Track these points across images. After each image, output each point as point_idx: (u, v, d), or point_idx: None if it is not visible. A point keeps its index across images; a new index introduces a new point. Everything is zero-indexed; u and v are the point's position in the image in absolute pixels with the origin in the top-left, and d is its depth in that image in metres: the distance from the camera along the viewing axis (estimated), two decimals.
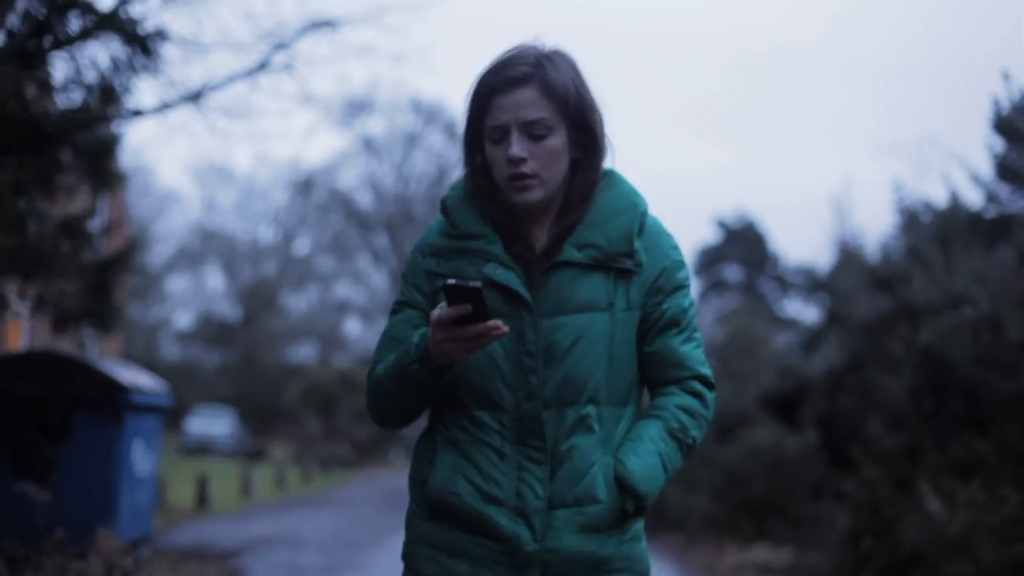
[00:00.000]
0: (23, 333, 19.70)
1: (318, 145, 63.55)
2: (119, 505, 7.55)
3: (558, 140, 2.27)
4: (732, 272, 51.35)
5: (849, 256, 42.35)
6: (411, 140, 38.05)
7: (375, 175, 39.60)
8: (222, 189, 45.73)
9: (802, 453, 11.69)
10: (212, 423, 30.49)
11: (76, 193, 9.51)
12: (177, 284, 46.05)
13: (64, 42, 8.73)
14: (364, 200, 40.35)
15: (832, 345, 13.22)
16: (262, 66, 10.09)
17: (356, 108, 34.27)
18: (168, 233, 44.69)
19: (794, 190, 65.31)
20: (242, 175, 48.96)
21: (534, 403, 2.24)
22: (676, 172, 68.63)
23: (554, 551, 2.22)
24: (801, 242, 67.18)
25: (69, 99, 9.33)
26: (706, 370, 2.38)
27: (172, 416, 26.88)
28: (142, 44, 8.78)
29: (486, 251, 2.30)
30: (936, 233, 14.17)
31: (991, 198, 15.11)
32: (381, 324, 40.13)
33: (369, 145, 38.45)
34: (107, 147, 9.34)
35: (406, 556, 2.35)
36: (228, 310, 43.26)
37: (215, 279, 46.59)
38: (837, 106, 68.17)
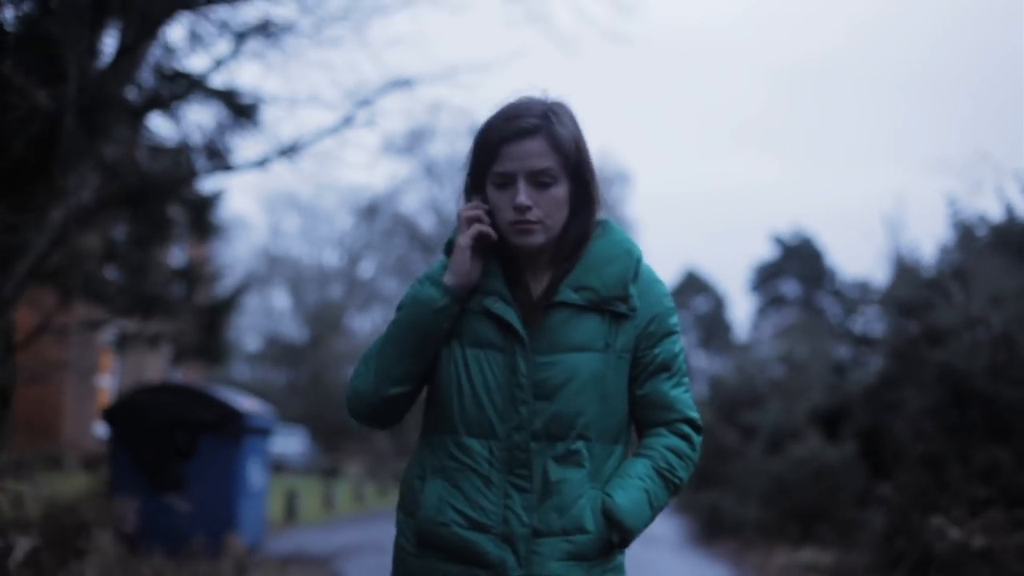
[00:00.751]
0: (113, 361, 21.16)
1: (381, 170, 65.25)
2: (240, 515, 8.79)
3: (561, 190, 2.39)
4: (790, 287, 52.26)
5: (905, 271, 42.91)
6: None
7: (437, 199, 40.91)
8: (287, 215, 47.24)
9: (843, 463, 12.70)
10: (285, 441, 31.77)
11: (179, 241, 10.80)
12: (245, 307, 47.59)
13: (170, 107, 10.03)
14: (427, 223, 41.65)
15: (870, 364, 14.16)
16: (347, 121, 11.33)
17: (418, 136, 35.64)
18: (236, 259, 46.27)
19: (843, 202, 65.75)
20: (307, 201, 50.49)
21: (523, 434, 2.36)
22: (728, 188, 69.33)
23: None
24: (854, 254, 67.21)
25: (177, 158, 10.64)
26: (694, 413, 2.51)
27: None
28: (243, 111, 10.08)
29: (489, 286, 2.41)
30: (992, 246, 15.03)
31: None
32: None
33: (431, 170, 39.78)
34: (209, 202, 10.62)
35: None
36: (295, 332, 44.70)
37: (282, 301, 48.06)
38: (885, 120, 68.54)
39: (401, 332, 2.40)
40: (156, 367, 21.99)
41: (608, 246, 2.45)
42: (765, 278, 51.51)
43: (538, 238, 2.39)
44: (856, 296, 49.48)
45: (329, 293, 45.96)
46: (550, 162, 2.37)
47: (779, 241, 52.02)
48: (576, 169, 2.41)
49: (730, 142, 72.03)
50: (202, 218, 10.53)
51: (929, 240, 54.06)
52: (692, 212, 71.24)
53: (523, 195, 2.35)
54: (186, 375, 23.04)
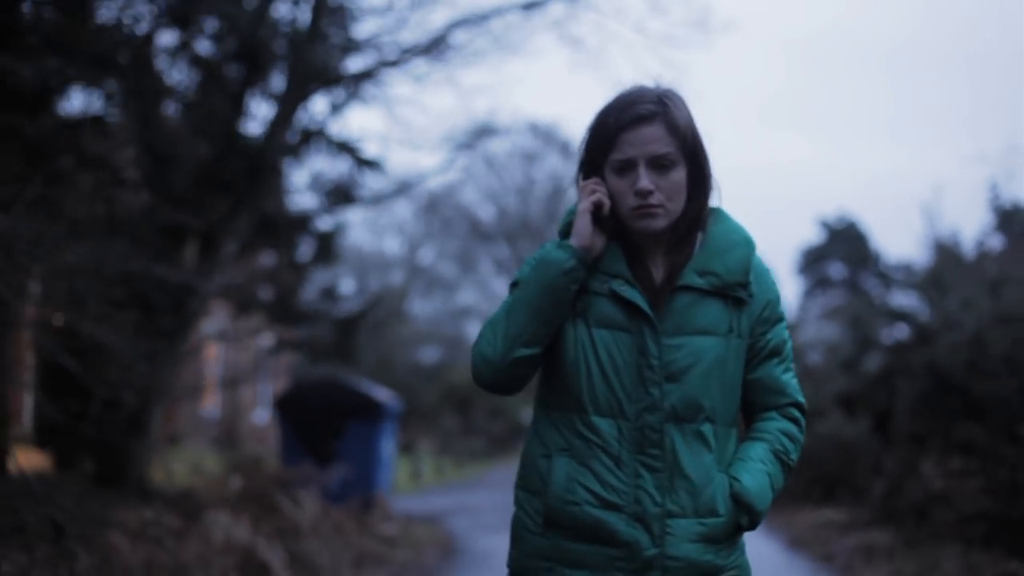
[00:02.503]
0: (218, 351, 24.21)
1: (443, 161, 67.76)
2: (378, 480, 11.68)
3: (680, 174, 2.47)
4: (836, 270, 54.28)
5: (947, 255, 45.35)
6: (529, 159, 42.03)
7: (495, 190, 43.68)
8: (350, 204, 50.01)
9: (859, 437, 15.39)
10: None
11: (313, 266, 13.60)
12: (310, 294, 50.48)
13: (305, 157, 12.80)
14: (486, 213, 44.44)
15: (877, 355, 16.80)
16: (449, 163, 14.12)
17: (479, 133, 38.39)
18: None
19: (880, 180, 67.37)
20: (369, 191, 53.32)
21: (656, 415, 2.42)
22: (763, 168, 70.94)
23: (674, 558, 2.41)
24: (895, 233, 68.57)
25: (310, 199, 13.46)
26: (801, 398, 2.60)
27: None
28: (367, 163, 12.88)
29: (613, 268, 2.50)
30: None
31: None
32: None
33: (490, 163, 42.53)
34: (334, 235, 13.44)
35: (518, 569, 2.55)
36: (341, 310, 47.52)
37: (347, 287, 50.95)
38: (919, 102, 70.00)
39: (531, 295, 2.47)
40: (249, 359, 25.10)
41: (727, 232, 2.55)
42: (811, 261, 53.50)
43: (660, 222, 2.47)
44: (900, 278, 51.78)
45: (390, 279, 48.76)
46: (669, 147, 2.46)
47: (825, 225, 53.97)
48: (692, 153, 2.49)
49: (759, 125, 73.28)
50: (328, 247, 13.36)
51: (967, 224, 56.17)
52: (729, 192, 72.60)
53: (645, 180, 2.44)
54: (281, 365, 26.03)
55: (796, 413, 2.62)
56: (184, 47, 11.29)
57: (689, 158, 2.49)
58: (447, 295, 48.80)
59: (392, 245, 50.35)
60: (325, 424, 11.49)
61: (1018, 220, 22.18)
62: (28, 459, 9.91)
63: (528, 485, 2.55)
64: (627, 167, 2.46)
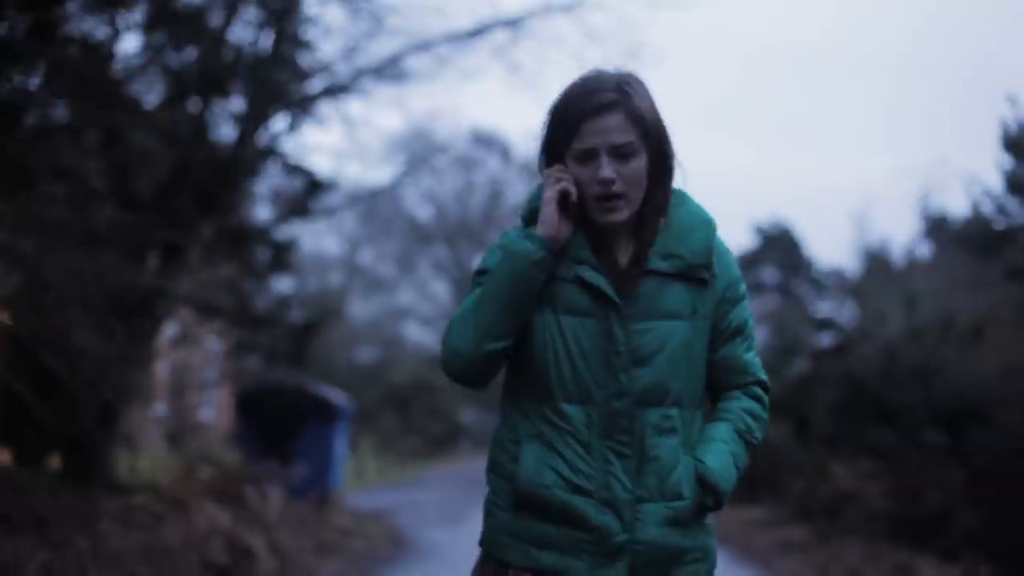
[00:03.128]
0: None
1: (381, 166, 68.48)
2: (333, 475, 12.60)
3: (641, 162, 2.50)
4: (769, 275, 55.69)
5: (877, 262, 46.68)
6: (469, 164, 43.03)
7: (435, 193, 44.61)
8: None
9: (782, 441, 16.52)
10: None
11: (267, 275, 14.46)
12: (265, 300, 51.13)
13: (259, 171, 13.68)
14: (425, 215, 45.35)
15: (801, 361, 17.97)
16: (404, 175, 14.99)
17: (430, 150, 39.39)
18: None
19: (815, 189, 68.91)
20: (321, 206, 54.23)
21: (624, 400, 2.48)
22: (705, 172, 71.92)
23: (642, 542, 2.47)
24: (829, 240, 69.94)
25: (266, 212, 14.36)
26: (764, 376, 2.67)
27: None
28: (319, 184, 13.81)
29: (578, 255, 2.53)
30: (960, 240, 17.60)
31: (1001, 211, 18.62)
32: (440, 330, 45.42)
33: (431, 167, 43.47)
34: (289, 246, 14.36)
35: (488, 544, 2.60)
36: (296, 317, 48.23)
37: (285, 286, 51.40)
38: (848, 111, 71.70)
39: (499, 287, 2.47)
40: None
41: (688, 215, 2.58)
42: (746, 266, 54.73)
43: (623, 214, 2.50)
44: (830, 284, 53.17)
45: (328, 280, 49.46)
46: (630, 136, 2.48)
47: (760, 230, 55.28)
48: (654, 140, 2.52)
49: (699, 125, 74.36)
50: (283, 257, 14.26)
51: (897, 232, 57.89)
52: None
53: (606, 169, 2.46)
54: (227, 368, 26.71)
55: (759, 391, 2.66)
56: (150, 62, 12.08)
57: (651, 145, 2.52)
58: (386, 296, 49.58)
59: (331, 245, 51.09)
60: (284, 424, 12.41)
61: (945, 229, 22.86)
62: None
63: (498, 470, 2.60)
64: (589, 156, 2.49)
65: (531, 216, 2.59)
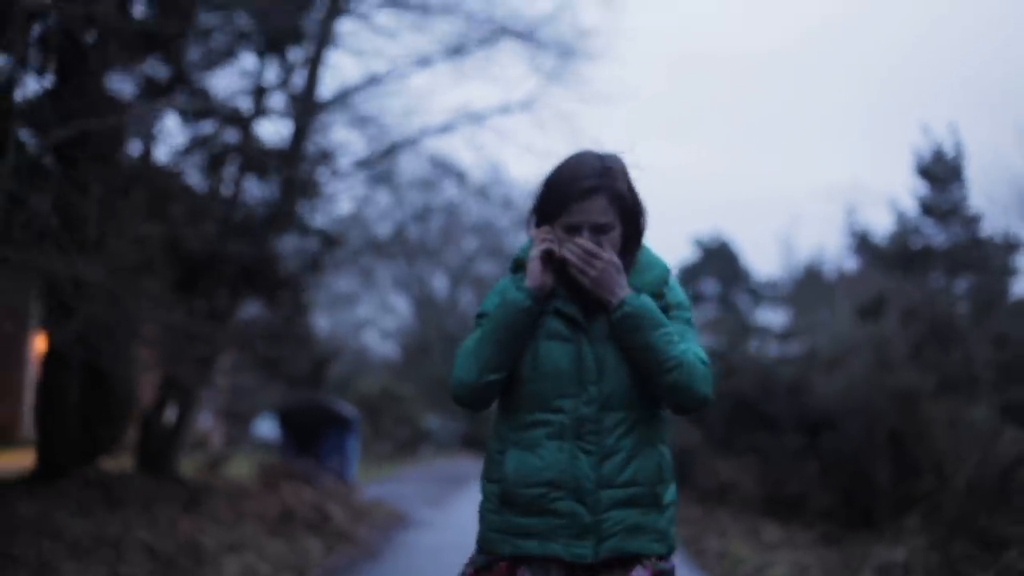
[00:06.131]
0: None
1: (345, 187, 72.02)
2: (349, 471, 17.45)
3: (616, 233, 3.09)
4: (709, 286, 59.49)
5: (810, 275, 51.45)
6: (427, 185, 47.78)
7: (394, 212, 49.24)
8: None
9: (694, 441, 21.46)
10: (272, 426, 39.87)
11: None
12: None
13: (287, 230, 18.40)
14: (384, 231, 49.95)
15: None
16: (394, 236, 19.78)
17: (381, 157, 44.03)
18: None
19: (747, 197, 73.02)
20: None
21: (592, 407, 3.01)
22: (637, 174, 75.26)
23: (604, 520, 3.02)
24: (762, 251, 73.63)
25: (292, 264, 19.05)
26: (705, 357, 3.13)
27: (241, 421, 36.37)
28: (332, 240, 18.58)
29: (559, 292, 3.12)
30: (888, 254, 20.73)
31: (915, 231, 21.31)
32: (398, 342, 50.09)
33: (392, 188, 48.06)
34: (306, 288, 19.11)
35: (483, 542, 3.16)
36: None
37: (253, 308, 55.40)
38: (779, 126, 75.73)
39: (495, 329, 3.05)
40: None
41: (648, 261, 3.20)
42: (687, 278, 58.64)
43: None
44: (765, 294, 57.62)
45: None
46: (610, 216, 3.06)
47: (699, 243, 59.23)
48: (630, 215, 3.11)
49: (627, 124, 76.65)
50: (300, 301, 19.01)
51: (819, 248, 62.67)
52: None
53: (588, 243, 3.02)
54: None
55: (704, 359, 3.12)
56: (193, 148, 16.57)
57: (626, 218, 3.10)
58: (348, 308, 53.85)
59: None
60: (313, 432, 17.18)
61: (868, 246, 24.29)
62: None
63: (489, 475, 3.14)
64: (574, 229, 3.04)
65: (518, 265, 3.20)
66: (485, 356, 3.06)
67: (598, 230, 3.07)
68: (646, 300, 3.05)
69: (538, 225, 3.14)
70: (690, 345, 3.08)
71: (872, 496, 15.04)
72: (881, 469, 15.21)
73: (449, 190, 48.60)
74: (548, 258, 3.06)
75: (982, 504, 10.73)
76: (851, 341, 19.14)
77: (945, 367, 17.14)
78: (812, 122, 75.64)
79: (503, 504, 3.08)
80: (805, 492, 16.74)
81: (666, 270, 3.22)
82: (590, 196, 3.05)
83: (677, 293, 3.21)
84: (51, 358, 13.29)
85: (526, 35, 18.01)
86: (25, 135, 10.53)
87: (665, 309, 3.12)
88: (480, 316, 3.18)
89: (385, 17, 19.06)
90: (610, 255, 3.02)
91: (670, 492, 3.15)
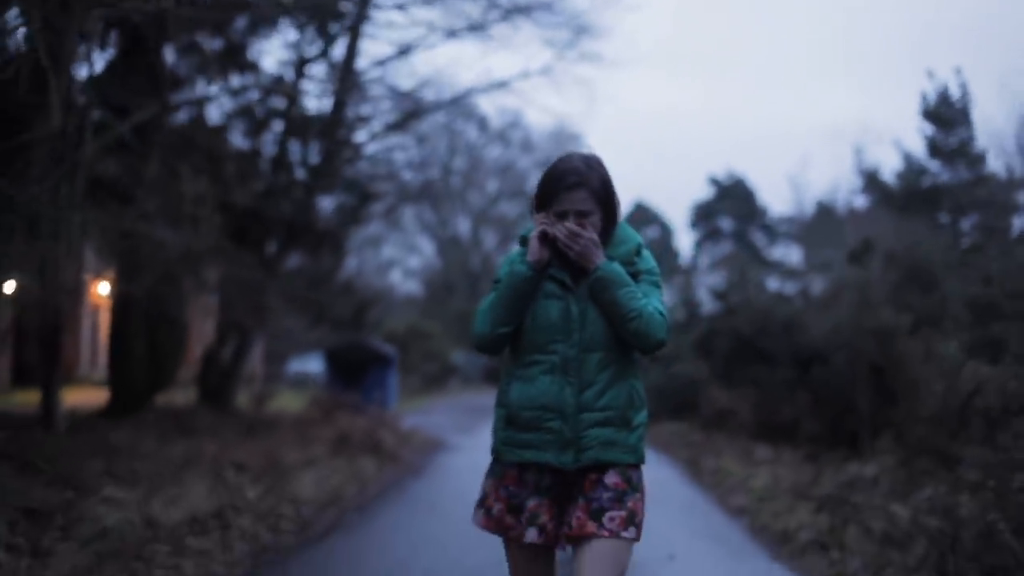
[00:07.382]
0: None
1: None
2: (389, 400, 19.77)
3: (596, 217, 3.73)
4: (725, 223, 59.65)
5: (824, 211, 52.67)
6: (450, 131, 49.70)
7: (420, 155, 51.18)
8: None
9: (701, 374, 23.59)
10: (306, 363, 41.95)
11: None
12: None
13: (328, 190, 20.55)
14: (413, 180, 51.91)
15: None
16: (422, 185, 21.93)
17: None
18: None
19: (761, 133, 73.70)
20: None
21: (574, 349, 3.67)
22: (649, 112, 76.02)
23: (584, 436, 3.67)
24: (765, 186, 73.98)
25: (330, 218, 21.17)
26: (664, 310, 3.73)
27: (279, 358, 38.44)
28: (369, 196, 20.75)
29: (554, 263, 3.77)
30: (897, 193, 21.60)
31: (922, 171, 21.85)
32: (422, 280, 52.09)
33: (415, 132, 50.00)
34: (344, 238, 21.28)
35: (494, 452, 3.84)
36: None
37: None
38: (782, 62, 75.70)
39: (504, 294, 3.72)
40: None
41: (622, 235, 3.84)
42: (703, 216, 60.07)
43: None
44: (781, 230, 58.80)
45: None
46: (590, 205, 3.71)
47: (715, 181, 60.28)
48: (606, 204, 3.76)
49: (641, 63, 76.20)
50: (340, 249, 21.20)
51: (831, 182, 63.61)
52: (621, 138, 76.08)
53: (573, 225, 3.70)
54: None
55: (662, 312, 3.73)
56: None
57: (603, 207, 3.75)
58: (374, 250, 55.85)
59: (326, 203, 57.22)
60: (358, 369, 19.47)
61: (877, 185, 24.41)
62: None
63: (499, 401, 3.83)
64: (562, 215, 3.71)
65: (524, 240, 3.85)
66: (497, 314, 3.73)
67: (581, 215, 3.72)
68: (616, 267, 3.69)
69: (537, 211, 3.78)
70: (651, 300, 3.71)
71: (855, 422, 16.79)
72: (863, 398, 16.85)
73: (471, 133, 50.79)
74: (544, 238, 3.73)
75: (944, 428, 12.33)
76: (841, 283, 21.06)
77: (924, 307, 19.00)
78: (819, 61, 76.27)
79: (508, 423, 3.75)
80: (796, 419, 18.67)
81: (637, 243, 3.85)
82: (574, 189, 3.70)
83: (647, 261, 3.85)
84: (120, 307, 15.49)
85: (544, 6, 19.83)
86: (105, 115, 11.92)
87: (636, 275, 3.76)
88: (496, 282, 3.83)
89: None
90: (590, 234, 3.68)
91: (640, 416, 3.75)
